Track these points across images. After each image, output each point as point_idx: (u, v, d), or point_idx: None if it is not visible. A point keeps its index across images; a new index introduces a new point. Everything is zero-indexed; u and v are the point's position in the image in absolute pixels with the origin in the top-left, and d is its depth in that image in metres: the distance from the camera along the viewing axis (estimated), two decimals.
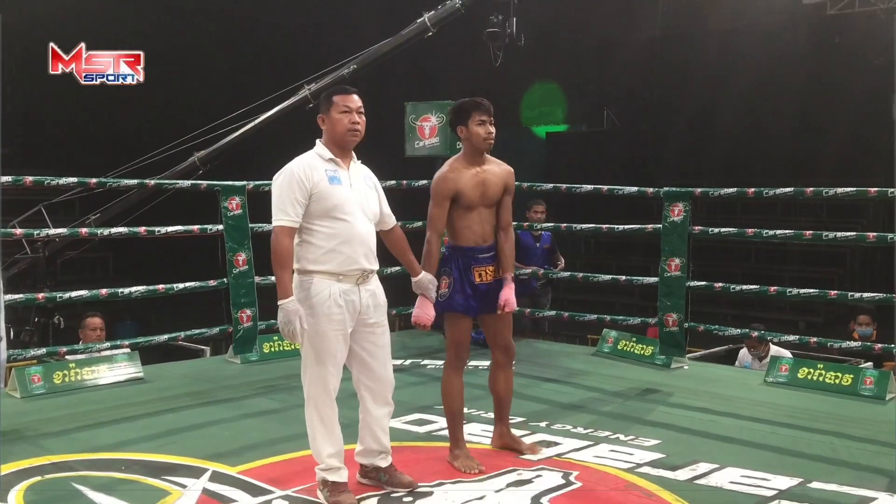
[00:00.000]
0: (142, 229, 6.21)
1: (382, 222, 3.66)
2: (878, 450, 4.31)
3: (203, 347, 7.08)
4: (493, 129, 3.90)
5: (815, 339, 6.04)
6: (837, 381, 5.47)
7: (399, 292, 5.15)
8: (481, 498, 3.55)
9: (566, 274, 7.47)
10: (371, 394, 3.56)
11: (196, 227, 6.20)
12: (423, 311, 3.81)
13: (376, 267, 3.52)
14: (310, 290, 3.38)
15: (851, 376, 5.45)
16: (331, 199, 3.38)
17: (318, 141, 3.53)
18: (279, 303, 3.33)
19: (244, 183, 6.18)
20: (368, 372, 3.54)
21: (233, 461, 3.95)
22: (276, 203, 3.39)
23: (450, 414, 4.01)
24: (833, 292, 6.39)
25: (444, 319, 4.02)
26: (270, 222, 6.57)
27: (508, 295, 3.97)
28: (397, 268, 6.75)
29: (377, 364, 3.54)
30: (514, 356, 4.24)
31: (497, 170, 3.98)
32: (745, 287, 6.55)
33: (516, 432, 4.33)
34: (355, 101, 3.48)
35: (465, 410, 4.84)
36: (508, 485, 3.71)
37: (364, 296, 3.46)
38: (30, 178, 5.44)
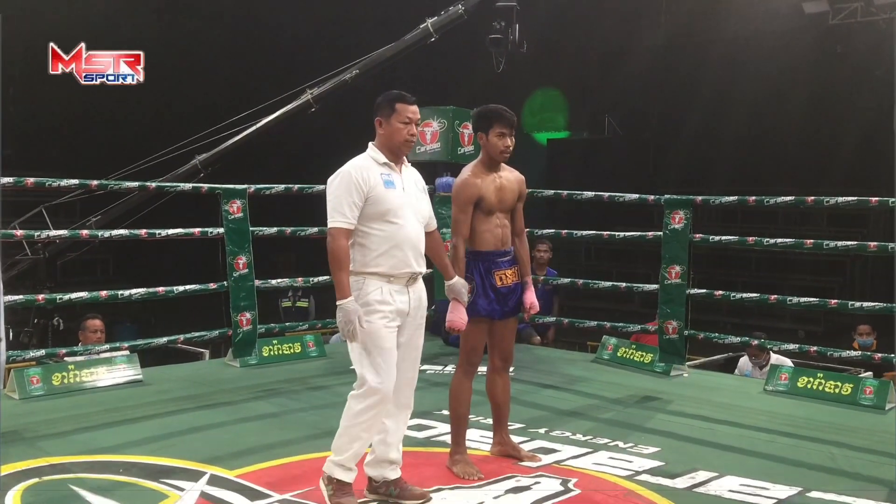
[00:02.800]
0: (143, 232, 6.21)
1: (427, 225, 3.68)
2: (878, 460, 4.30)
3: (202, 350, 7.08)
4: (511, 143, 3.96)
5: (814, 349, 6.04)
6: (837, 391, 5.47)
7: None
8: None
9: (566, 280, 7.47)
10: (395, 396, 3.50)
11: (197, 230, 6.19)
12: (457, 316, 3.82)
13: (424, 269, 3.55)
14: (361, 290, 3.40)
15: (851, 386, 5.45)
16: (385, 203, 3.41)
17: (370, 144, 3.54)
18: (338, 303, 3.35)
19: (245, 186, 6.19)
20: (399, 374, 3.50)
21: (231, 465, 3.94)
22: (333, 205, 3.39)
23: (455, 418, 4.02)
24: (833, 301, 6.39)
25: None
26: (270, 226, 6.63)
27: (532, 298, 4.07)
28: None
29: (409, 365, 3.56)
30: (512, 363, 4.25)
31: (511, 176, 4.06)
32: (745, 295, 6.55)
33: (515, 438, 4.33)
34: (416, 111, 3.51)
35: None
36: (507, 491, 3.70)
37: (412, 297, 3.50)
38: (31, 180, 5.45)
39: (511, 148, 3.97)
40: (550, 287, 7.51)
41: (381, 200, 3.41)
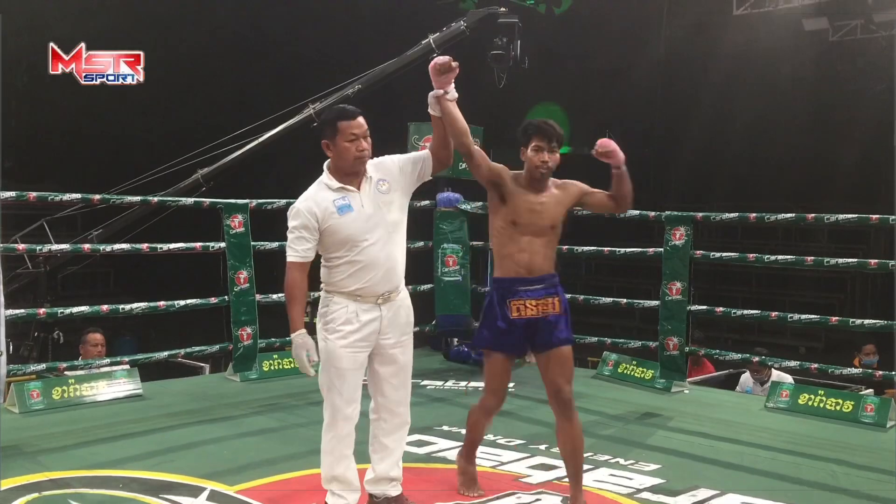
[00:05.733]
0: (144, 246, 6.22)
1: (427, 165, 3.60)
2: (879, 477, 4.30)
3: (203, 365, 7.07)
4: (548, 158, 3.61)
5: (815, 366, 6.03)
6: (838, 408, 5.45)
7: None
8: None
9: (567, 296, 7.44)
10: (389, 414, 3.49)
11: (198, 245, 6.20)
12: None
13: (399, 284, 3.45)
14: (328, 308, 3.40)
15: (852, 403, 5.44)
16: (343, 231, 3.34)
17: (325, 166, 3.45)
18: (291, 336, 3.34)
19: (247, 201, 6.20)
20: (387, 392, 3.48)
21: (231, 480, 3.94)
22: (289, 239, 3.40)
23: (467, 436, 3.89)
24: (834, 319, 6.37)
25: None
26: (272, 240, 6.65)
27: (608, 143, 3.71)
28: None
29: (399, 383, 3.48)
30: (572, 406, 3.65)
31: (560, 194, 3.71)
32: (746, 312, 6.55)
33: (515, 455, 4.32)
34: (361, 125, 3.39)
35: (464, 431, 4.83)
36: None
37: (385, 315, 3.41)
38: (33, 194, 5.46)
39: (548, 164, 3.60)
40: None
41: (338, 229, 3.34)
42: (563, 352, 3.64)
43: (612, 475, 4.18)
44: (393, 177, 3.49)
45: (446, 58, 3.49)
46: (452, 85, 3.53)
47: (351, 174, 3.41)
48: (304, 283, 3.38)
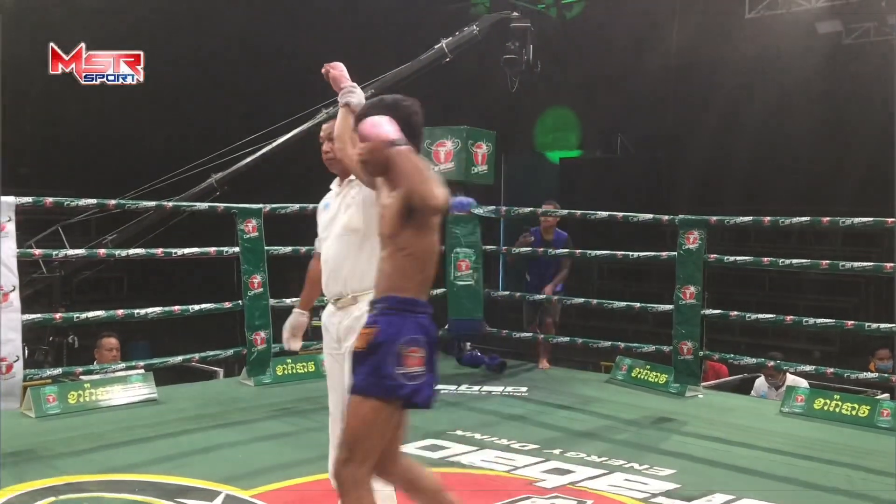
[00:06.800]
0: (159, 251, 6.24)
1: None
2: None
3: (217, 369, 7.09)
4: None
5: (831, 370, 6.00)
6: (854, 413, 5.42)
7: None
8: None
9: (580, 300, 7.42)
10: None
11: (212, 249, 6.23)
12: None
13: (351, 292, 3.29)
14: None
15: (868, 408, 5.40)
16: (319, 227, 3.51)
17: None
18: None
19: (260, 206, 6.22)
20: None
21: (246, 484, 3.95)
22: None
23: None
24: (850, 323, 6.34)
25: None
26: (286, 245, 6.70)
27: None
28: None
29: None
30: (346, 487, 2.61)
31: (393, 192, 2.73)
32: (761, 316, 6.52)
33: (530, 459, 4.31)
34: (325, 128, 3.53)
35: (479, 437, 4.83)
36: None
37: (339, 320, 3.34)
38: (50, 200, 5.49)
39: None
40: (555, 258, 7.22)
41: (318, 224, 3.52)
42: (351, 403, 2.63)
43: (626, 480, 4.17)
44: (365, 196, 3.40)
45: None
46: (347, 89, 3.36)
47: (340, 176, 3.48)
48: (315, 272, 3.56)
